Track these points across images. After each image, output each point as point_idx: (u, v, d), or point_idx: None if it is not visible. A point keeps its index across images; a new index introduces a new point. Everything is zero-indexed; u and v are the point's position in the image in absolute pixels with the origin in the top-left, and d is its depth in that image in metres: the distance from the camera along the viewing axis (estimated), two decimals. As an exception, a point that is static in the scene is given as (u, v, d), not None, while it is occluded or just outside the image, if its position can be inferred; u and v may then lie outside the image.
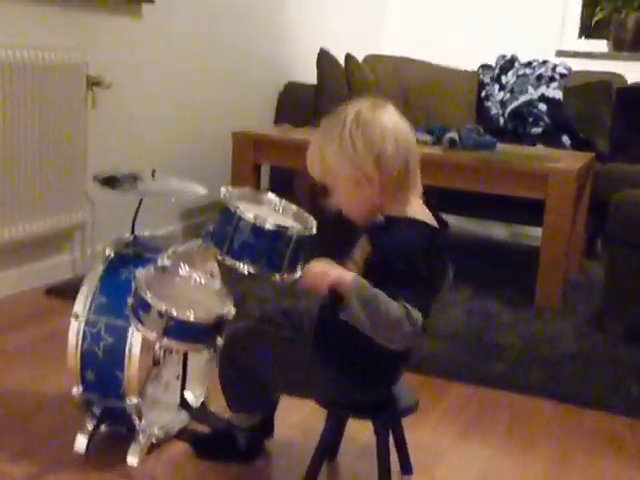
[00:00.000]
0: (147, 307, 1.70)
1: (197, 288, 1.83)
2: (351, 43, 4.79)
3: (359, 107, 1.63)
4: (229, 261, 1.81)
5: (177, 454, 1.98)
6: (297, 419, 2.15)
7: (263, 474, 1.96)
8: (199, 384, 2.17)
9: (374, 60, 4.88)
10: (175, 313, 1.68)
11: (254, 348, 1.81)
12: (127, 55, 3.41)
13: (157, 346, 1.76)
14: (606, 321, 2.97)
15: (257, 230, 1.82)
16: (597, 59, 5.21)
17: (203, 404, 2.17)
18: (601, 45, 5.40)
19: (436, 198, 3.50)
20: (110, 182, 1.97)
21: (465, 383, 2.47)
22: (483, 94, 4.67)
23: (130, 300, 1.76)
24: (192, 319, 1.70)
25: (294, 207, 1.93)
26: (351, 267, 1.70)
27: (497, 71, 4.70)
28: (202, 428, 2.05)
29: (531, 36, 5.18)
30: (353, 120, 1.61)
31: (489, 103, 4.61)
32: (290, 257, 1.85)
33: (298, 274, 1.75)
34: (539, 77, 4.55)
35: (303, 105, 4.51)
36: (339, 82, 4.52)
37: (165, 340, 1.71)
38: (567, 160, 3.45)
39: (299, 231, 1.79)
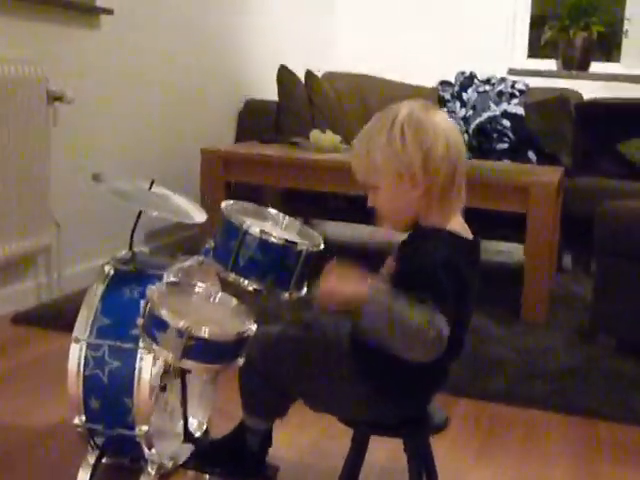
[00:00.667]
0: (164, 326, 1.57)
1: (213, 305, 1.71)
2: (305, 60, 4.73)
3: (412, 106, 1.55)
4: (233, 278, 1.71)
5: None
6: (306, 441, 2.03)
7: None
8: (201, 408, 2.03)
9: (333, 77, 4.83)
10: (196, 331, 1.55)
11: (284, 355, 1.69)
12: (87, 68, 3.26)
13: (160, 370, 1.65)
14: (598, 334, 2.93)
15: (265, 245, 1.73)
16: (547, 77, 5.26)
17: (206, 432, 2.03)
18: (550, 64, 5.47)
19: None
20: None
21: (471, 399, 2.40)
22: (444, 111, 4.64)
23: (141, 320, 1.63)
24: (214, 337, 1.57)
25: (298, 223, 1.84)
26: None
27: (457, 88, 4.69)
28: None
29: (484, 54, 5.20)
30: (406, 116, 1.52)
31: (452, 120, 4.58)
32: (298, 274, 1.76)
33: (304, 291, 1.69)
34: (500, 93, 4.56)
35: (264, 122, 4.43)
36: (300, 98, 4.45)
37: (185, 361, 1.58)
38: (544, 174, 3.43)
39: (308, 247, 1.71)
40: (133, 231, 1.86)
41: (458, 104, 4.63)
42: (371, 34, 5.51)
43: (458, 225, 1.58)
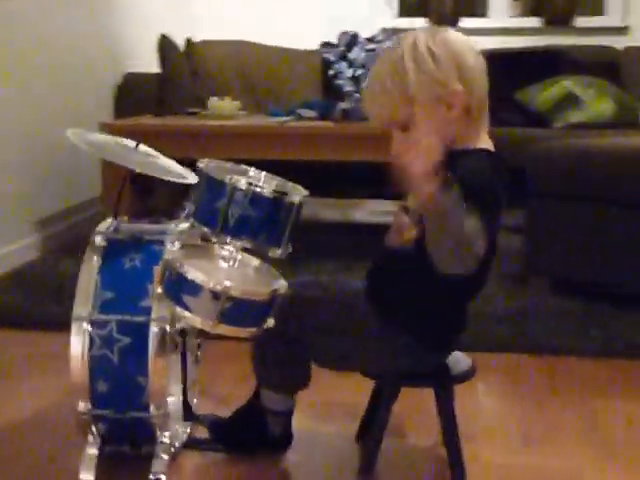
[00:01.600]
0: (196, 290, 1.45)
1: (235, 266, 1.59)
2: (182, 29, 4.56)
3: (423, 30, 1.49)
4: (224, 239, 1.61)
5: (197, 464, 1.73)
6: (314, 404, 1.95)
7: (293, 471, 1.76)
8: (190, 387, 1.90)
9: (211, 45, 4.67)
10: (234, 292, 1.44)
11: (307, 316, 1.60)
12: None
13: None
14: (531, 276, 3.01)
15: (256, 200, 1.65)
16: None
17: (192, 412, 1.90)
18: (421, 22, 5.55)
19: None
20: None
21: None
22: (331, 72, 4.62)
23: (159, 287, 1.50)
24: (251, 297, 1.47)
25: (276, 178, 1.75)
26: (404, 219, 1.56)
27: (342, 48, 4.66)
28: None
29: (356, 15, 5.20)
30: (427, 37, 1.47)
31: (340, 81, 4.56)
32: (290, 228, 1.69)
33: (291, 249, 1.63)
34: (386, 51, 4.57)
35: (146, 96, 4.23)
36: (182, 69, 4.30)
37: (221, 326, 1.47)
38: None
39: (300, 198, 1.65)
40: (119, 194, 1.71)
41: (345, 64, 4.61)
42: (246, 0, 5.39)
43: (489, 143, 1.54)
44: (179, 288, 1.47)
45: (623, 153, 2.84)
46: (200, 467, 1.75)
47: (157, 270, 1.52)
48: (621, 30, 5.27)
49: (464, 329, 1.65)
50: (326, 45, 4.75)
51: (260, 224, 1.66)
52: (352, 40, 4.69)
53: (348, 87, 4.55)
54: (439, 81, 1.45)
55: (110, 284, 1.61)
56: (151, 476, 1.62)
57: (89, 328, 1.57)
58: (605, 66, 4.54)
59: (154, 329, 1.57)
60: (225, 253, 1.62)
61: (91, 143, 1.69)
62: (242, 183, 1.63)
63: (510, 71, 4.39)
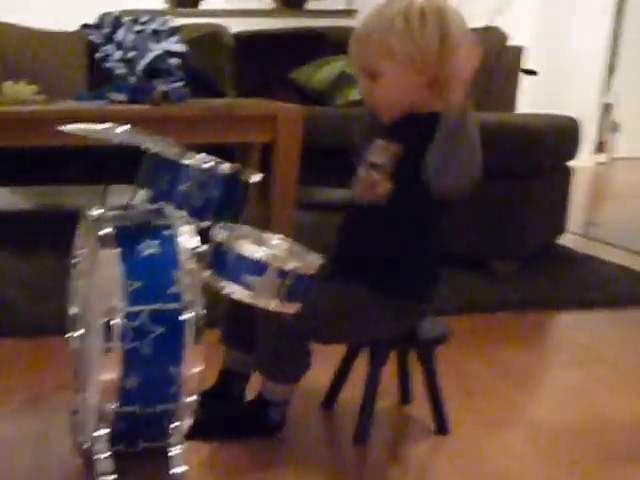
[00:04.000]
0: (261, 269, 1.46)
1: (272, 244, 1.59)
2: None
3: None
4: (195, 222, 1.65)
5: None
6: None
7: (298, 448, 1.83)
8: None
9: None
10: (303, 270, 1.48)
11: (319, 309, 1.65)
12: None
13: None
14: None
15: (220, 180, 1.73)
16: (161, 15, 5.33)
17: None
18: (160, 3, 5.55)
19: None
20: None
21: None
22: (99, 55, 4.46)
23: (208, 270, 1.50)
24: (308, 273, 1.51)
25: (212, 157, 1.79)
26: (374, 175, 1.67)
27: (107, 30, 4.51)
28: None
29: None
30: (425, 3, 1.57)
31: (111, 64, 4.42)
32: (244, 205, 1.78)
33: None
34: (156, 32, 4.51)
35: None
36: None
37: (285, 304, 1.49)
38: (263, 104, 3.59)
39: (251, 176, 1.75)
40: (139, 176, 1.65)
41: (112, 46, 4.47)
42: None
43: None
44: (239, 269, 1.46)
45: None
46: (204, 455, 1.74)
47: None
48: (348, 13, 5.72)
49: (439, 280, 1.79)
50: (87, 27, 4.57)
51: (222, 204, 1.72)
52: (116, 22, 4.56)
53: (120, 70, 4.42)
54: (419, 46, 1.57)
55: (135, 273, 1.53)
56: (174, 470, 1.59)
57: (121, 321, 1.49)
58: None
59: (188, 316, 1.53)
60: (254, 233, 1.61)
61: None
62: (208, 165, 1.69)
63: (281, 52, 4.60)
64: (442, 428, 1.84)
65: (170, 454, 1.60)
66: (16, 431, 1.81)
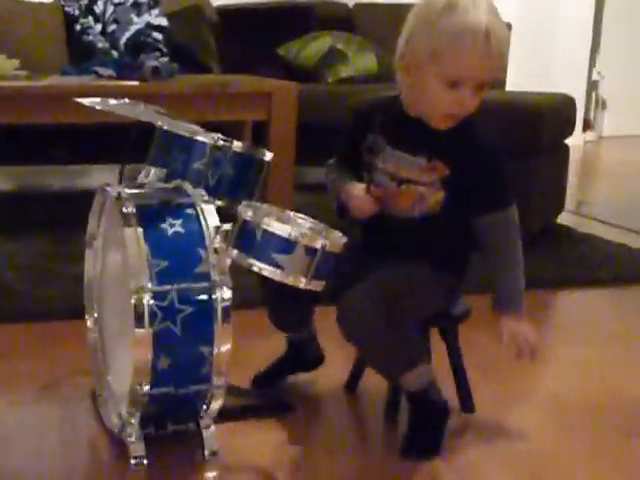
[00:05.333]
0: (291, 247, 1.49)
1: (299, 223, 1.62)
2: None
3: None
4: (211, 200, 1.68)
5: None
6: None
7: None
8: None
9: None
10: (331, 247, 1.51)
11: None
12: None
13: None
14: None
15: (236, 158, 1.79)
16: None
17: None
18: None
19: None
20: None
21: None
22: (78, 28, 4.44)
23: (234, 250, 1.52)
24: (337, 250, 1.54)
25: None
26: (419, 190, 1.69)
27: (86, 2, 4.49)
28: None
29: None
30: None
31: (90, 37, 4.40)
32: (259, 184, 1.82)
33: None
34: (136, 4, 4.49)
35: None
36: None
37: (314, 282, 1.52)
38: (258, 81, 3.60)
39: (266, 155, 1.80)
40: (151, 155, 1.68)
41: (91, 19, 4.45)
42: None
43: None
44: (268, 247, 1.49)
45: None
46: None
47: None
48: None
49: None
50: (64, -2, 4.53)
51: (237, 183, 1.75)
52: (96, -7, 4.53)
53: (101, 44, 4.41)
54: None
55: (160, 252, 1.55)
56: (207, 452, 1.62)
57: (150, 301, 1.51)
58: (342, 22, 4.91)
59: (217, 295, 1.55)
60: (276, 212, 1.63)
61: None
62: (224, 143, 1.72)
63: (266, 27, 4.61)
64: (468, 406, 1.88)
65: (204, 435, 1.63)
66: (40, 418, 1.81)
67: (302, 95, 3.58)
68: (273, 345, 1.97)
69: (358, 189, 1.72)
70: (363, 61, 4.39)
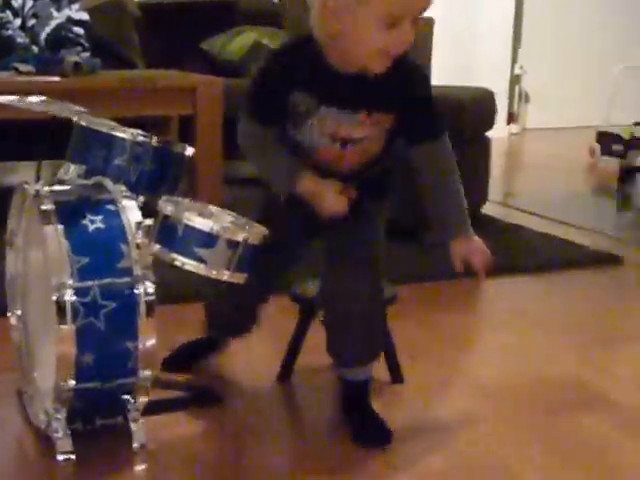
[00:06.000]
0: (213, 241, 1.51)
1: (220, 217, 1.63)
2: None
3: None
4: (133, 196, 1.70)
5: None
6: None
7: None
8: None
9: None
10: (253, 240, 1.54)
11: None
12: None
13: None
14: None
15: (158, 153, 1.81)
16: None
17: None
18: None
19: None
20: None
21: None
22: (-5, 22, 4.36)
23: (156, 244, 1.54)
24: (258, 243, 1.56)
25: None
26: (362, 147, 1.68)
27: (4, -5, 4.42)
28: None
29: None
30: None
31: (9, 32, 4.34)
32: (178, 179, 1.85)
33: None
34: (56, -1, 4.45)
35: None
36: None
37: (237, 275, 1.55)
38: (183, 76, 3.60)
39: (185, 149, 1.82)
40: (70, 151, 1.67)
41: (10, 13, 4.38)
42: None
43: None
44: (190, 241, 1.50)
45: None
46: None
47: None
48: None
49: None
50: (-20, -9, 4.46)
51: (158, 178, 1.77)
52: (14, -14, 4.47)
53: (20, 39, 4.35)
54: None
55: (81, 249, 1.56)
56: (135, 445, 1.63)
57: (72, 298, 1.52)
58: (268, 17, 4.93)
59: (140, 290, 1.57)
60: (198, 207, 1.65)
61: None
62: (142, 138, 1.74)
63: (191, 23, 4.60)
64: (398, 378, 1.98)
65: (131, 429, 1.63)
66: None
67: (228, 90, 3.60)
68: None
69: (332, 193, 1.64)
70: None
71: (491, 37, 6.14)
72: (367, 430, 1.75)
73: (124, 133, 1.75)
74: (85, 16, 4.43)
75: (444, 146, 1.70)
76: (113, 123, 1.79)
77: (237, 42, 4.44)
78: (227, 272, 1.53)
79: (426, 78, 1.71)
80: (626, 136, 4.80)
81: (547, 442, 1.76)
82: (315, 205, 1.65)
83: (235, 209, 1.67)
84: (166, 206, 1.54)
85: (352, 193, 1.66)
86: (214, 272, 1.52)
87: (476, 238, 1.72)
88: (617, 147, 4.81)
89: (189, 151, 1.84)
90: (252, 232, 1.56)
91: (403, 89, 1.64)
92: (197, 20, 4.64)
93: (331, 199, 1.63)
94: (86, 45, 4.36)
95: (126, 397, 1.62)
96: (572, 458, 1.70)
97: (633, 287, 2.89)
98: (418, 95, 1.67)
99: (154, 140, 1.75)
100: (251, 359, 2.08)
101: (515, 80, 6.45)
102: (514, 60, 6.40)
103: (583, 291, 2.79)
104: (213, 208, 1.66)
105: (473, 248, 1.71)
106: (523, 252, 3.05)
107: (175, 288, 2.24)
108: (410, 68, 1.65)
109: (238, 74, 4.36)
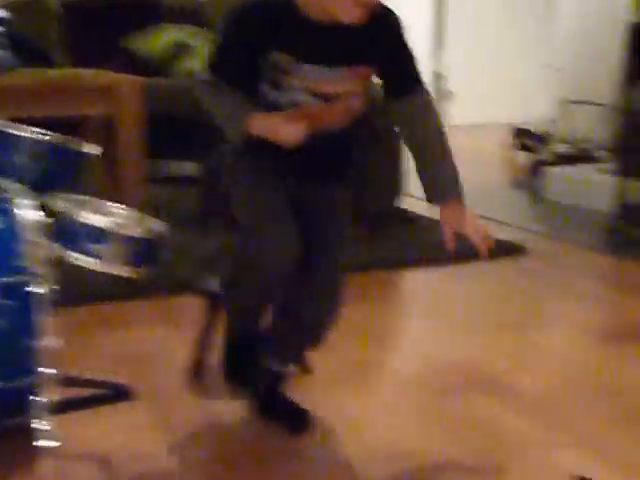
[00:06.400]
0: (106, 237, 1.55)
1: (115, 213, 1.68)
2: None
3: None
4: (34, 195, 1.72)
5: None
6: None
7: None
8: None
9: None
10: (147, 234, 1.58)
11: None
12: None
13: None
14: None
15: (56, 151, 1.79)
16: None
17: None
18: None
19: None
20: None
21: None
22: None
23: (53, 242, 1.57)
24: (152, 237, 1.61)
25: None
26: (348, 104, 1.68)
27: None
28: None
29: None
30: None
31: None
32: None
33: None
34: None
35: None
36: None
37: (132, 269, 1.59)
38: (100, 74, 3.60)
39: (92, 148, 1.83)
40: None
41: None
42: None
43: None
44: (85, 238, 1.54)
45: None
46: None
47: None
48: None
49: None
50: None
51: (58, 176, 1.79)
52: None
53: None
54: None
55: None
56: (41, 444, 1.64)
57: (-32, 296, 1.54)
58: (190, 15, 4.94)
59: (37, 288, 1.59)
60: (91, 204, 1.68)
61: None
62: (39, 135, 1.74)
63: (112, 21, 4.59)
64: (306, 368, 2.03)
65: (37, 427, 1.65)
66: None
67: (150, 89, 3.61)
68: (117, 337, 2.02)
69: (280, 121, 1.58)
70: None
71: (412, 39, 6.30)
72: (290, 416, 1.82)
73: (22, 131, 1.75)
74: (4, 13, 4.40)
75: (431, 102, 1.69)
76: (10, 122, 1.79)
77: (159, 40, 4.44)
78: (123, 267, 1.57)
79: (403, 28, 1.68)
80: (538, 132, 5.00)
81: (441, 420, 1.87)
82: (272, 140, 1.58)
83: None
84: (61, 204, 1.57)
85: (308, 115, 1.61)
86: (112, 268, 1.56)
87: (470, 210, 1.66)
88: (529, 142, 5.01)
89: (90, 149, 1.84)
90: (146, 227, 1.60)
91: (382, 40, 1.63)
92: (121, 18, 4.63)
93: (285, 129, 1.57)
94: (5, 43, 4.34)
95: (30, 396, 1.64)
96: (464, 435, 1.80)
97: (536, 276, 3.01)
98: (398, 45, 1.66)
99: (53, 138, 1.76)
100: (167, 357, 2.12)
101: (437, 78, 6.67)
102: (437, 60, 6.69)
103: (488, 281, 2.91)
104: (108, 204, 1.70)
105: (465, 217, 1.66)
106: (434, 245, 3.14)
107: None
108: (387, 19, 1.64)
109: (159, 72, 4.38)
